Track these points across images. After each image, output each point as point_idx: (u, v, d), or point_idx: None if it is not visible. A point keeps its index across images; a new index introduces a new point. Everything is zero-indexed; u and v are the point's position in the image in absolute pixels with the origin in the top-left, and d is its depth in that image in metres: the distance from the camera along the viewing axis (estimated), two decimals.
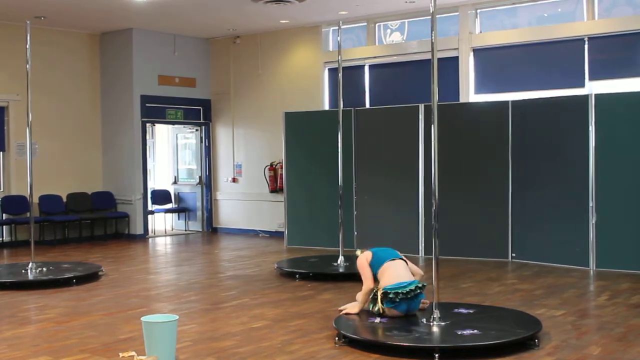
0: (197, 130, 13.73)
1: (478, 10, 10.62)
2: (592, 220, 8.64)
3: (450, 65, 10.55)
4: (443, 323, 5.44)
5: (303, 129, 11.11)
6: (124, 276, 8.65)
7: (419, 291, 5.61)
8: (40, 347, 5.39)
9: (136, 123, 12.50)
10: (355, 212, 10.55)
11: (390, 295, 5.54)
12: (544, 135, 9.10)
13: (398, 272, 5.72)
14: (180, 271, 9.21)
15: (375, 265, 5.87)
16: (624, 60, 9.41)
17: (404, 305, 5.55)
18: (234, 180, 13.26)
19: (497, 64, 10.51)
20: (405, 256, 6.09)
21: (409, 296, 5.55)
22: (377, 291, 5.68)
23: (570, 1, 9.96)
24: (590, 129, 8.63)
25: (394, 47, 11.40)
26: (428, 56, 5.93)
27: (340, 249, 8.68)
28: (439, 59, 5.72)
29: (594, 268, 8.61)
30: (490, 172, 9.54)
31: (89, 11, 10.92)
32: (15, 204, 11.52)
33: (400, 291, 5.55)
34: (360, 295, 5.93)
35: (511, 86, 10.31)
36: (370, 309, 5.76)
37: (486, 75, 10.55)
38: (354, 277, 8.03)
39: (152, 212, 13.22)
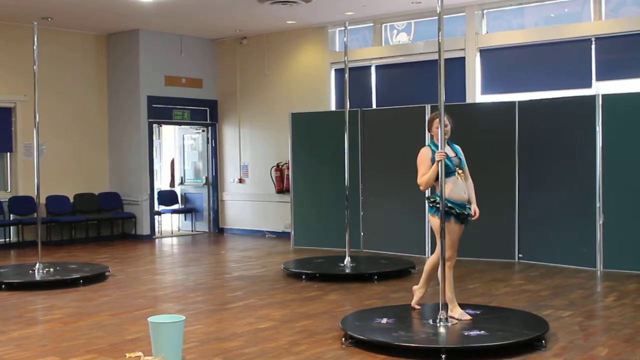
0: (203, 130, 13.74)
1: (484, 11, 10.60)
2: (600, 221, 8.61)
3: (456, 66, 10.54)
4: (450, 324, 5.45)
5: (309, 130, 11.10)
6: (131, 277, 8.67)
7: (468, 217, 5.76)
8: (48, 348, 5.40)
9: (143, 124, 12.52)
10: (361, 213, 10.53)
11: (449, 205, 5.59)
12: (551, 136, 9.07)
13: (458, 190, 5.73)
14: (186, 272, 9.22)
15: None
16: (632, 60, 9.38)
17: (458, 219, 5.69)
18: (240, 180, 13.26)
19: (503, 64, 10.48)
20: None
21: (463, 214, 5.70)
22: (432, 198, 5.69)
23: (577, 1, 9.93)
24: (597, 129, 8.60)
25: (400, 48, 11.39)
26: (434, 57, 5.94)
27: (346, 249, 8.67)
28: (445, 60, 5.70)
29: (601, 269, 8.58)
30: (497, 172, 9.50)
31: (96, 12, 10.95)
32: (23, 205, 11.56)
33: (460, 211, 5.67)
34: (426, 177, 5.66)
35: (518, 87, 10.29)
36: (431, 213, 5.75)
37: (493, 76, 10.54)
38: (360, 278, 8.09)
39: (158, 213, 13.25)
